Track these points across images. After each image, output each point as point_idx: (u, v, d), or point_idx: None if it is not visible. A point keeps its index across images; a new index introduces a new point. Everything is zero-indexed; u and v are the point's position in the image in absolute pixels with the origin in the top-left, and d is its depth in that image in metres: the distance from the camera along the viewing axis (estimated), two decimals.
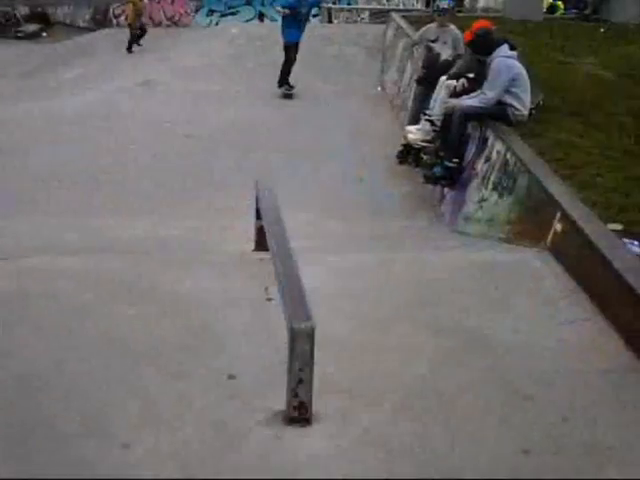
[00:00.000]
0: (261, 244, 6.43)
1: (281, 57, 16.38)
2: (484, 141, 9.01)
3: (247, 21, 29.62)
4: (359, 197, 10.38)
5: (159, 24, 28.08)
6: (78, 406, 4.36)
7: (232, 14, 31.14)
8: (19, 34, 32.53)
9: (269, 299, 5.61)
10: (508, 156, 8.20)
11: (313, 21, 26.17)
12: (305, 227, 8.14)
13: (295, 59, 16.43)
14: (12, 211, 9.30)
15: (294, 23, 16.21)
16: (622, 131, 9.14)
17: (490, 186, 8.41)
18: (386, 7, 28.51)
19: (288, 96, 16.62)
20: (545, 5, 22.91)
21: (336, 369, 4.75)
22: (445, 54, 11.64)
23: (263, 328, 5.23)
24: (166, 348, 5.01)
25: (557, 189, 7.09)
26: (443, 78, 10.03)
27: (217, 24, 30.02)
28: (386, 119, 15.00)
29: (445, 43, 11.56)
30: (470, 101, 9.16)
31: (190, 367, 4.79)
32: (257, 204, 6.57)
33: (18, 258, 6.53)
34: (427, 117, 10.23)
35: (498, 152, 8.51)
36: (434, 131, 10.07)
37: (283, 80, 16.69)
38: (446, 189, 9.80)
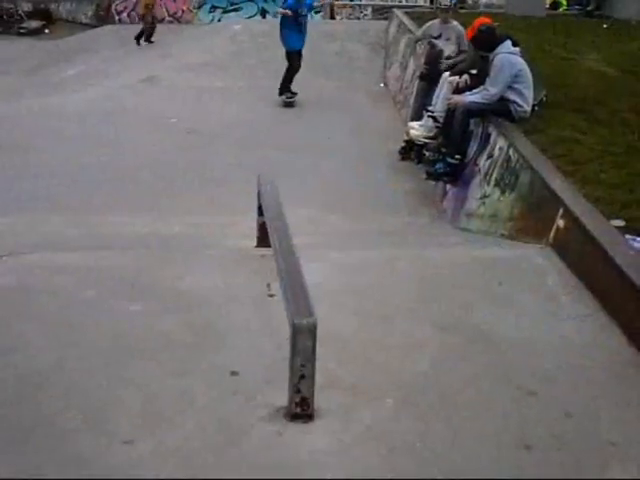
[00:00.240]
0: (263, 240, 6.42)
1: (283, 53, 15.93)
2: (487, 137, 9.00)
3: (249, 17, 29.62)
4: (361, 193, 10.37)
5: (161, 20, 28.13)
6: (79, 402, 4.35)
7: (234, 10, 31.16)
8: (22, 30, 32.57)
9: (271, 295, 5.60)
10: (511, 152, 8.19)
11: (315, 17, 26.20)
12: (307, 223, 8.14)
13: (299, 67, 15.66)
14: (13, 208, 9.29)
15: (295, 27, 15.35)
16: (625, 127, 9.13)
17: (492, 182, 8.40)
18: (389, 3, 28.51)
19: (289, 104, 15.83)
20: (548, 1, 22.89)
21: (338, 365, 4.75)
22: (448, 50, 11.65)
23: (265, 324, 5.23)
24: (168, 344, 5.00)
25: (560, 185, 7.08)
26: (446, 74, 10.03)
27: (219, 20, 30.08)
28: (388, 115, 15.01)
29: (448, 39, 11.56)
30: (473, 97, 9.14)
31: (192, 363, 4.78)
32: (259, 200, 6.56)
33: (19, 254, 6.52)
34: (430, 113, 10.23)
35: (501, 148, 8.50)
36: (436, 127, 10.07)
37: (284, 88, 15.87)
38: (448, 185, 9.79)
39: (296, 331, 4.03)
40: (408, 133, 11.19)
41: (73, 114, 15.00)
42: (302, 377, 4.10)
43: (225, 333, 5.16)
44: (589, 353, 5.09)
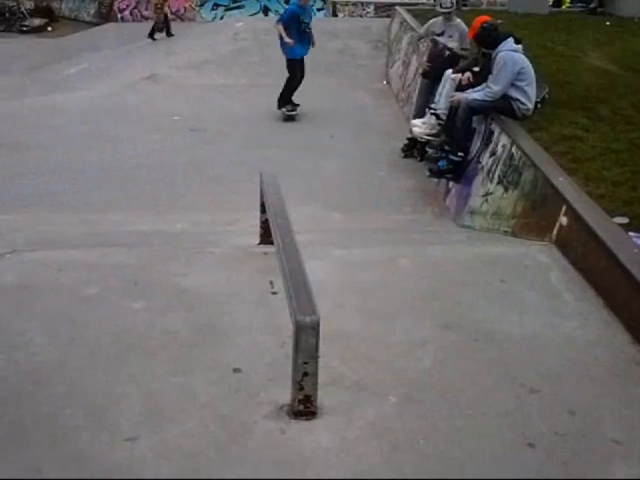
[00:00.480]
0: (266, 238, 6.42)
1: None
2: (489, 135, 8.99)
3: (252, 15, 29.64)
4: (364, 191, 10.36)
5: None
6: (81, 400, 4.35)
7: (237, 8, 31.20)
8: (24, 28, 32.65)
9: (274, 293, 5.60)
10: (513, 150, 8.18)
11: (318, 15, 26.22)
12: (310, 221, 8.14)
13: (303, 77, 14.13)
14: (14, 205, 9.30)
15: (296, 34, 13.69)
16: (628, 125, 9.13)
17: (495, 180, 8.38)
18: (391, 1, 28.50)
19: (290, 118, 14.18)
20: None
21: (341, 362, 4.75)
22: (448, 51, 11.61)
23: (268, 322, 5.23)
24: (171, 341, 5.00)
25: (563, 183, 7.07)
26: (448, 72, 10.00)
27: (222, 18, 30.14)
28: (391, 113, 14.98)
29: (451, 37, 11.53)
30: (475, 95, 9.12)
31: (195, 360, 4.78)
32: (262, 198, 6.55)
33: (22, 252, 6.52)
34: (432, 111, 10.20)
35: (503, 146, 8.49)
36: (439, 125, 10.05)
37: (285, 100, 14.23)
38: (451, 183, 9.78)
39: (299, 329, 4.03)
40: (411, 131, 11.18)
41: (75, 112, 14.99)
42: (305, 374, 4.10)
43: (228, 331, 5.16)
44: (592, 351, 5.09)
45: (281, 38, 13.77)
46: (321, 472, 3.86)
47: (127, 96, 16.31)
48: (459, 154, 9.32)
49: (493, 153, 8.72)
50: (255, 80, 17.19)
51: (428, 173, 10.10)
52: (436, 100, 10.18)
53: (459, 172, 9.42)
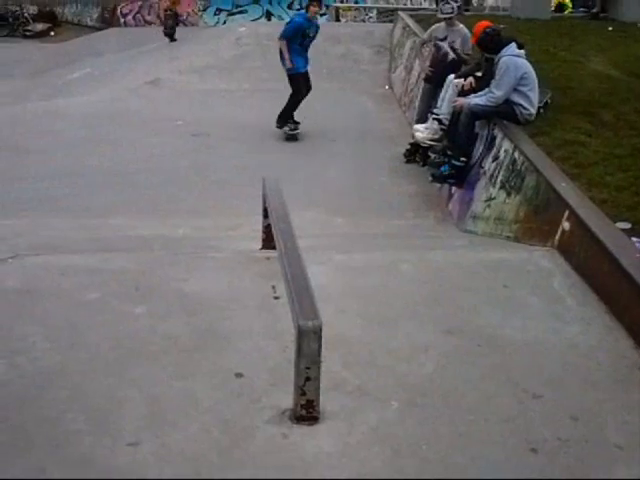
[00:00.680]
0: (268, 242, 6.42)
1: None
2: (492, 140, 8.99)
3: (254, 20, 29.70)
4: (366, 196, 10.36)
5: None
6: (83, 404, 4.35)
7: (240, 13, 31.25)
8: (27, 33, 32.75)
9: (276, 297, 5.60)
10: (516, 155, 8.18)
11: (321, 20, 26.21)
12: (312, 226, 8.14)
13: (308, 91, 13.32)
14: (15, 210, 9.30)
15: (298, 48, 13.03)
16: (630, 130, 9.11)
17: (498, 185, 8.38)
18: (394, 6, 28.55)
19: (292, 138, 13.27)
20: (553, 4, 22.86)
21: (343, 367, 4.75)
22: (453, 53, 11.62)
23: (270, 326, 5.22)
24: (172, 346, 4.99)
25: (565, 188, 7.07)
26: (451, 77, 10.01)
27: (224, 23, 30.19)
28: (393, 118, 15.00)
29: (454, 42, 11.54)
30: (478, 100, 9.13)
31: (196, 365, 4.78)
32: (264, 202, 6.55)
33: (23, 257, 6.51)
34: (435, 116, 10.22)
35: (506, 151, 8.48)
36: (442, 130, 10.06)
37: (285, 118, 13.31)
38: (454, 188, 9.79)
39: (301, 333, 4.02)
40: (413, 135, 11.19)
41: (78, 116, 15.01)
42: (307, 379, 4.09)
43: (230, 335, 5.15)
44: (595, 356, 5.08)
45: (282, 54, 13.10)
46: (323, 477, 3.85)
47: (130, 101, 16.33)
48: (461, 159, 9.33)
49: (495, 158, 8.72)
50: (257, 85, 17.21)
51: (430, 178, 10.10)
52: (438, 105, 10.19)
53: (461, 177, 9.42)
